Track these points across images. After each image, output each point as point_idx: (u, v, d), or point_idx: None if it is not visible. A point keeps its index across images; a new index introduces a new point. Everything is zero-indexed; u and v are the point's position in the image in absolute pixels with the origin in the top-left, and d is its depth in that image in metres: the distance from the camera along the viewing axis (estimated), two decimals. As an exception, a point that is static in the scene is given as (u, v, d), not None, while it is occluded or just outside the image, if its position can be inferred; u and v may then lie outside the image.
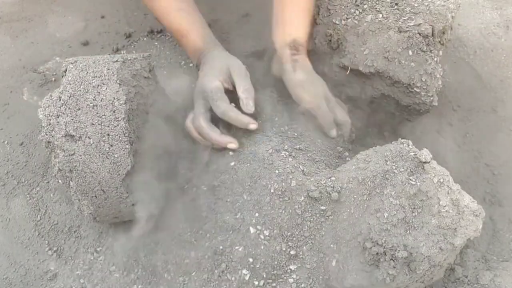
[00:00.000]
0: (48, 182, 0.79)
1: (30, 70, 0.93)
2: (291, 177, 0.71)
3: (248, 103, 0.75)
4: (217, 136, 0.74)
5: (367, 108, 0.93)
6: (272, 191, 0.70)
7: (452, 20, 0.82)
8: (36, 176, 0.80)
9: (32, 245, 0.74)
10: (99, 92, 0.65)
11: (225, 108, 0.74)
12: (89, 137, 0.64)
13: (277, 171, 0.71)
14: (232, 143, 0.74)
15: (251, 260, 0.67)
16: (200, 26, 0.87)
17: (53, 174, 0.78)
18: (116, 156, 0.65)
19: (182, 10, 0.86)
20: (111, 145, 0.65)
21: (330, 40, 0.85)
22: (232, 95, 0.78)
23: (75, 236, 0.75)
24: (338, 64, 0.86)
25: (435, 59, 0.82)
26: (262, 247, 0.67)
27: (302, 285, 0.65)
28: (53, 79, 0.92)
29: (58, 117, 0.64)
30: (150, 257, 0.72)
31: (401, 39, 0.80)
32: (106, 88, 0.65)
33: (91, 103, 0.65)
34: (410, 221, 0.64)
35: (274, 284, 0.66)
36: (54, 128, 0.64)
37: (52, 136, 0.64)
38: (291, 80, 0.80)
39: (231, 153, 0.75)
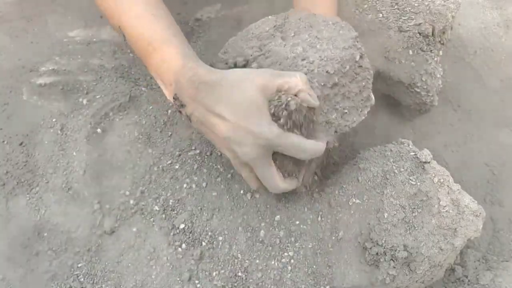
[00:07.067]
0: (48, 182, 0.79)
1: (30, 70, 0.93)
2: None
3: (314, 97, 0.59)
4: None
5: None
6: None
7: (452, 19, 0.82)
8: (36, 176, 0.79)
9: (32, 245, 0.74)
10: None
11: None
12: None
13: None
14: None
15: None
16: (180, 39, 0.65)
17: None
18: None
19: (158, 16, 0.66)
20: None
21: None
22: None
23: (75, 236, 0.75)
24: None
25: (435, 59, 0.82)
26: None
27: (302, 285, 0.65)
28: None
29: None
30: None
31: (401, 39, 0.80)
32: None
33: None
34: (410, 221, 0.63)
35: (273, 287, 0.66)
36: None
37: None
38: None
39: None
